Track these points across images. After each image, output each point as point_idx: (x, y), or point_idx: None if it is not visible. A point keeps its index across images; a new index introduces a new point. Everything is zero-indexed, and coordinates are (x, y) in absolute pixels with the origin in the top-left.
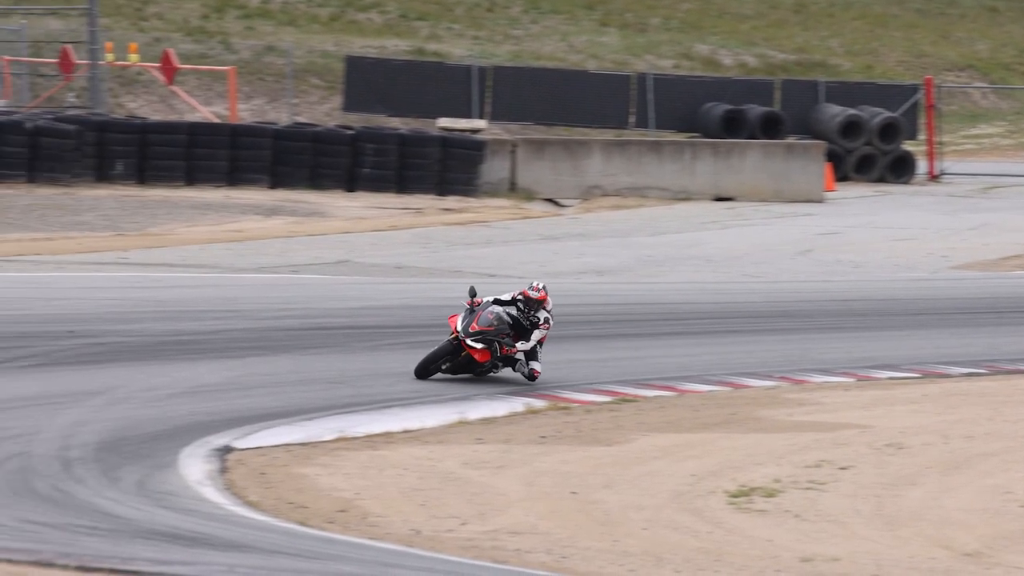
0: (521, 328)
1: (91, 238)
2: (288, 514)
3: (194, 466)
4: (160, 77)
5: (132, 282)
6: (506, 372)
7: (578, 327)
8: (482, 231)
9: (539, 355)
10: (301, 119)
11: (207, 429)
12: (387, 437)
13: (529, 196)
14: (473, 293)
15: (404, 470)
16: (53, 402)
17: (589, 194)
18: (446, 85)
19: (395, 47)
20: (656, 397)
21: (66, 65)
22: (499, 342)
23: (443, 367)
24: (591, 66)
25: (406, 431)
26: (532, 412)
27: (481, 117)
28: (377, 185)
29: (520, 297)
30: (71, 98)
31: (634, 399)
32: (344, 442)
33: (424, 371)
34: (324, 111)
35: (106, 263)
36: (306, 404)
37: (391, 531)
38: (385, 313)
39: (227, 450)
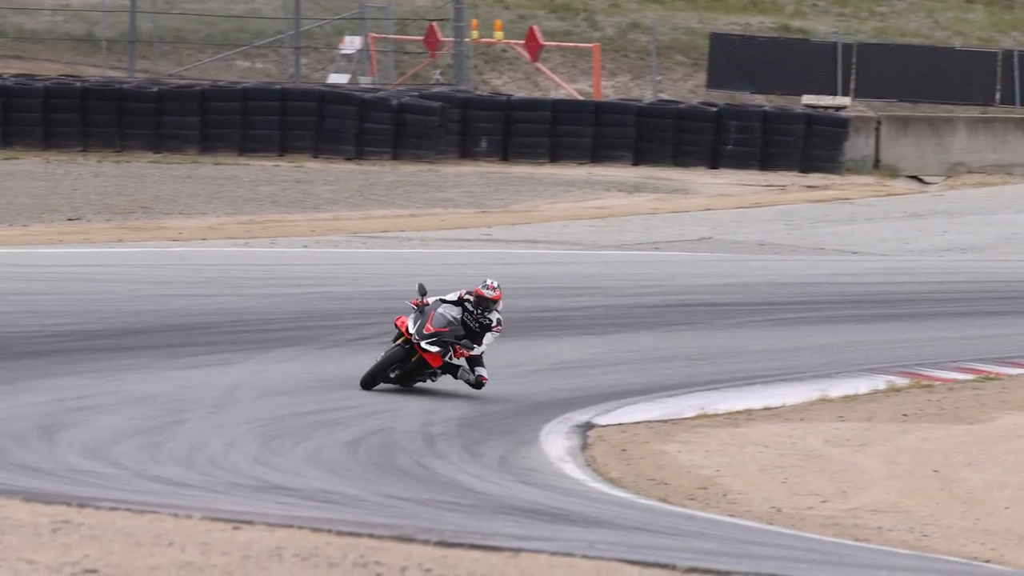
0: (468, 330)
1: (455, 214)
2: (649, 491)
3: (555, 442)
4: (524, 54)
5: (495, 258)
6: (445, 381)
7: (942, 305)
8: (845, 208)
9: (483, 360)
10: (664, 96)
11: (568, 405)
12: (748, 414)
13: (892, 173)
14: (423, 292)
15: (765, 447)
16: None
17: (953, 171)
18: (810, 62)
19: (760, 24)
20: (1020, 375)
21: (432, 42)
22: (453, 345)
23: (391, 375)
24: (956, 43)
25: (767, 408)
26: (894, 390)
27: (845, 94)
28: (740, 162)
29: (468, 297)
30: (436, 75)
31: (997, 377)
32: (705, 419)
33: (372, 380)
34: (687, 88)
35: (470, 239)
36: (667, 381)
37: (751, 508)
38: (747, 290)
39: (588, 426)
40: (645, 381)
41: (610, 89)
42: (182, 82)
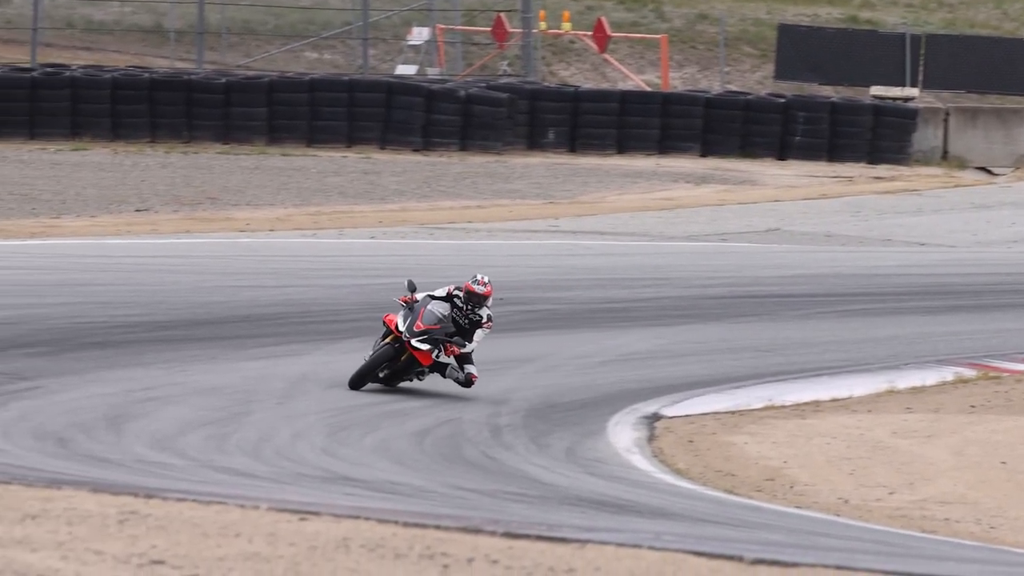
0: (458, 327)
1: (522, 206)
2: (716, 482)
3: (622, 433)
4: (592, 45)
5: (563, 250)
6: (433, 380)
7: (1009, 296)
8: (913, 199)
9: (472, 357)
10: (732, 87)
11: (636, 396)
12: (815, 406)
13: (961, 164)
14: (412, 288)
15: (832, 439)
16: (484, 369)
17: (1021, 162)
18: (878, 53)
19: (828, 15)
20: None
21: (499, 33)
22: (444, 343)
23: (380, 374)
24: None
25: (835, 400)
26: (962, 381)
27: (913, 85)
28: (807, 153)
29: (457, 293)
30: (504, 66)
31: None
32: (772, 410)
33: (361, 380)
34: (755, 79)
35: (537, 231)
36: (735, 372)
37: (818, 500)
38: (815, 281)
39: (655, 418)
40: (713, 372)
41: (678, 80)
42: (250, 73)
